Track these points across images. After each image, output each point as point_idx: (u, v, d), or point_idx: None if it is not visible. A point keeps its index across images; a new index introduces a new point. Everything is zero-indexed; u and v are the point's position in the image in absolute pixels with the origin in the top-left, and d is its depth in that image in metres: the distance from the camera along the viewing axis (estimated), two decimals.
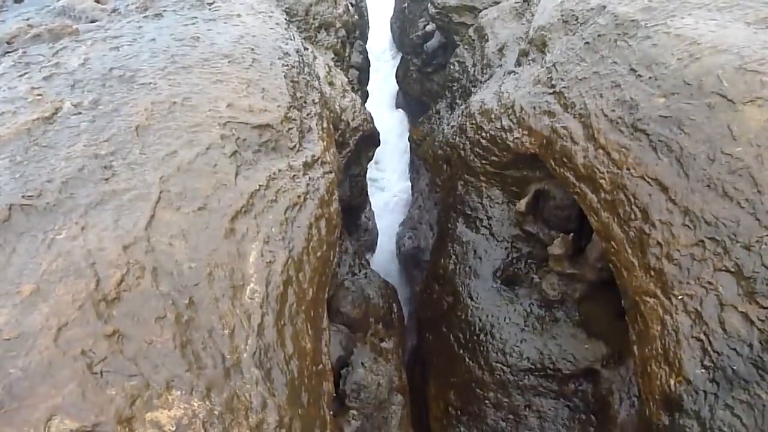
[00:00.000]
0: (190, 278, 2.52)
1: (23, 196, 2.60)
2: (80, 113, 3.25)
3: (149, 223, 2.63)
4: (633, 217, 3.14)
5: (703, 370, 2.59)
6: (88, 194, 2.70)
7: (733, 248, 2.61)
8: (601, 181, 3.43)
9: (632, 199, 3.17)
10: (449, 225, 5.18)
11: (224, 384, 2.29)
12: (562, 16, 4.66)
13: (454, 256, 4.90)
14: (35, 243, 2.42)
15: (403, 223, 7.76)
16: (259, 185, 3.23)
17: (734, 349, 2.48)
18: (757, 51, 3.05)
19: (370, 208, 7.47)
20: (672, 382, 2.69)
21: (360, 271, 5.00)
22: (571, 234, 4.12)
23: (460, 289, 4.66)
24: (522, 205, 4.45)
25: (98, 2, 5.25)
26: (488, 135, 4.84)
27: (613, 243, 3.32)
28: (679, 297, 2.75)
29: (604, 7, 4.20)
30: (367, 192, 6.97)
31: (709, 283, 2.65)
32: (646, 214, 3.06)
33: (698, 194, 2.83)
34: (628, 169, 3.24)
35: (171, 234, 2.64)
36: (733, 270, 2.58)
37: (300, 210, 3.40)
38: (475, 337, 4.40)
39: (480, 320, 4.43)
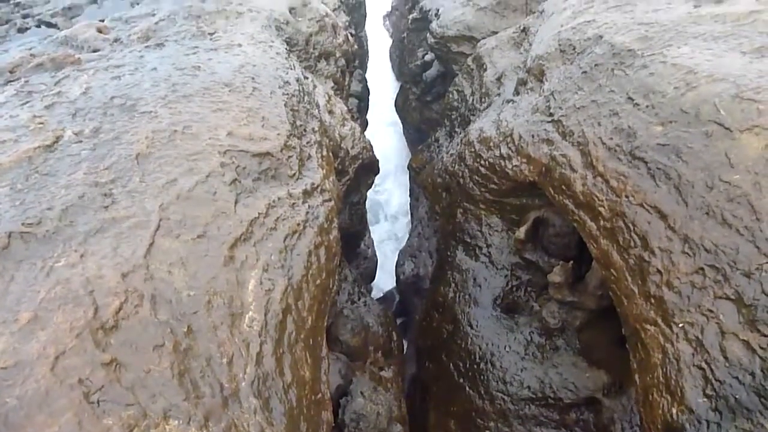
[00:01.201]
0: (189, 306, 2.51)
1: (23, 224, 2.60)
2: (81, 141, 3.27)
3: (148, 250, 2.62)
4: (632, 244, 3.14)
5: (705, 399, 2.56)
6: (88, 222, 2.70)
7: (733, 276, 2.60)
8: (600, 208, 3.44)
9: (631, 227, 3.17)
10: (449, 253, 5.18)
11: (222, 413, 2.27)
12: (559, 45, 4.71)
13: (453, 284, 4.89)
14: (34, 271, 2.41)
15: (402, 250, 7.75)
16: (259, 213, 3.23)
17: (736, 378, 2.46)
18: (753, 80, 3.07)
19: (370, 236, 7.47)
20: (674, 411, 2.66)
21: (359, 299, 4.99)
22: (571, 262, 4.12)
23: (460, 317, 4.64)
24: (521, 232, 4.45)
25: (101, 32, 5.32)
26: (487, 163, 4.86)
27: (612, 270, 3.31)
28: (680, 325, 2.74)
29: (601, 36, 4.25)
30: (366, 220, 6.98)
31: (710, 310, 2.64)
32: (645, 241, 3.06)
33: (697, 222, 2.83)
34: (626, 196, 3.25)
35: (170, 262, 2.64)
36: (733, 297, 2.57)
37: (299, 238, 3.40)
38: (475, 366, 4.37)
39: (480, 349, 4.40)
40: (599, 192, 3.47)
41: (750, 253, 2.59)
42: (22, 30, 7.57)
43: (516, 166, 4.44)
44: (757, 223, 2.62)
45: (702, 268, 2.74)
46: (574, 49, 4.50)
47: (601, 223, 3.42)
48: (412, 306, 7.23)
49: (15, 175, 2.95)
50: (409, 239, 7.98)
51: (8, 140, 3.24)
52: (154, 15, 5.98)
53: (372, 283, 7.75)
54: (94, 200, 2.83)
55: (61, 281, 2.35)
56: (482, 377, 4.30)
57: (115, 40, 5.27)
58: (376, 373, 4.52)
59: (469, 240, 4.99)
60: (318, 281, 3.36)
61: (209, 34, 5.24)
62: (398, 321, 6.69)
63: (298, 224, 3.45)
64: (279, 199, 3.48)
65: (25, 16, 8.30)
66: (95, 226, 2.69)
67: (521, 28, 6.39)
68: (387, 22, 14.97)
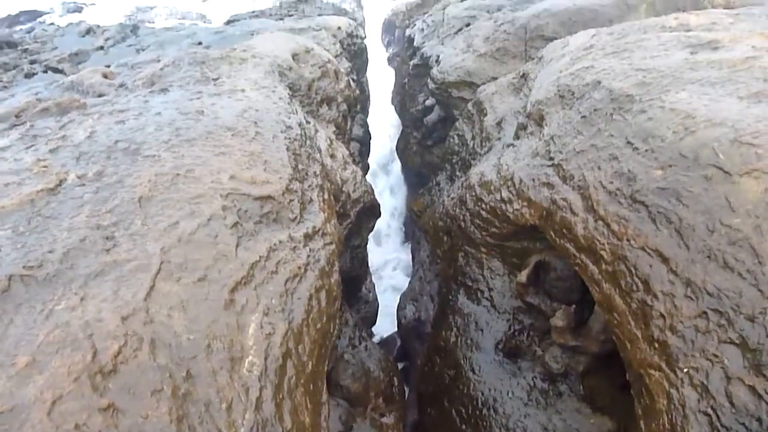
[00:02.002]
0: (189, 350, 2.49)
1: (24, 267, 2.60)
2: (84, 185, 3.29)
3: (149, 294, 2.61)
4: (635, 288, 3.12)
5: None
6: (89, 265, 2.70)
7: (737, 320, 2.59)
8: (602, 252, 3.43)
9: (633, 271, 3.16)
10: (450, 297, 5.15)
11: None
12: (558, 91, 4.77)
13: (455, 328, 4.85)
14: (33, 314, 2.40)
15: (403, 294, 7.71)
16: (260, 256, 3.23)
17: (743, 424, 2.42)
18: (751, 124, 3.10)
19: (371, 280, 7.44)
20: None
21: (360, 343, 4.94)
22: (573, 306, 4.09)
23: (462, 362, 4.59)
24: (523, 276, 4.43)
25: (106, 77, 5.40)
26: (488, 206, 4.87)
27: (615, 315, 3.29)
28: (685, 370, 2.71)
29: (599, 82, 4.30)
30: (367, 264, 6.96)
31: (715, 355, 2.61)
32: (647, 285, 3.05)
33: (699, 265, 2.83)
34: (628, 240, 3.25)
35: (170, 305, 2.62)
36: (737, 342, 2.55)
37: (300, 281, 3.39)
38: (477, 412, 4.30)
39: (482, 394, 4.34)
40: (600, 236, 3.47)
41: (753, 296, 2.58)
42: (29, 75, 7.69)
43: (517, 209, 4.45)
44: (760, 267, 2.61)
45: (705, 312, 2.72)
46: (573, 94, 4.56)
47: (603, 266, 3.41)
48: (414, 350, 7.16)
49: (17, 218, 2.96)
50: (410, 283, 7.94)
51: (12, 183, 3.26)
52: (159, 61, 6.09)
53: (373, 327, 7.70)
54: (96, 243, 2.83)
55: (61, 324, 2.34)
56: (485, 423, 4.23)
57: (121, 86, 5.35)
58: (377, 420, 4.45)
59: (470, 284, 4.98)
60: (319, 325, 3.34)
61: (213, 79, 5.32)
62: (399, 366, 6.62)
63: (299, 268, 3.44)
64: (280, 242, 3.48)
65: (32, 62, 8.45)
66: (96, 269, 2.68)
67: (520, 73, 6.48)
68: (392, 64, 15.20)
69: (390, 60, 15.11)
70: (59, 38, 10.02)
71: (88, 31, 10.13)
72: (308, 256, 3.60)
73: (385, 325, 8.57)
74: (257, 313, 2.91)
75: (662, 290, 2.95)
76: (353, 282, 6.34)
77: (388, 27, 16.70)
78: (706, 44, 4.36)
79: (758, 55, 3.91)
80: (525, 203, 4.37)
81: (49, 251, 2.73)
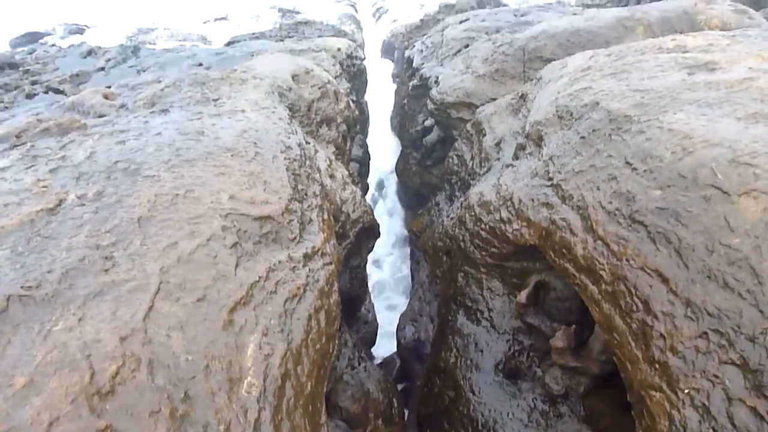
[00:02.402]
0: (187, 371, 2.47)
1: (22, 287, 2.59)
2: (84, 204, 3.29)
3: (147, 314, 2.60)
4: (635, 308, 3.12)
5: None
6: (88, 285, 2.69)
7: (738, 340, 2.57)
8: (601, 272, 3.43)
9: (633, 291, 3.15)
10: (450, 317, 5.14)
11: None
12: (557, 111, 4.79)
13: (454, 349, 4.83)
14: (31, 334, 2.39)
15: (403, 315, 7.69)
16: (259, 276, 3.22)
17: None
18: (749, 145, 3.12)
19: (370, 300, 7.43)
20: None
21: (359, 364, 4.92)
22: (573, 326, 4.08)
23: (462, 383, 4.56)
24: (523, 296, 4.43)
25: (107, 98, 5.43)
26: (487, 227, 4.88)
27: (615, 335, 3.27)
28: (686, 391, 2.69)
29: (597, 103, 4.33)
30: (367, 284, 6.95)
31: (716, 376, 2.60)
32: (647, 305, 3.04)
33: (699, 285, 2.82)
34: (627, 260, 3.25)
35: (169, 325, 2.61)
36: (738, 363, 2.54)
37: (299, 302, 3.38)
38: None
39: (482, 416, 4.31)
40: (600, 256, 3.47)
41: (753, 317, 2.57)
42: (30, 96, 7.73)
43: (516, 229, 4.45)
44: (759, 287, 2.61)
45: (706, 333, 2.71)
46: (571, 115, 4.58)
47: (603, 286, 3.41)
48: (413, 371, 7.12)
49: (16, 238, 2.96)
50: (409, 303, 7.93)
51: (11, 203, 3.26)
52: (159, 82, 6.12)
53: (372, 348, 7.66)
54: (95, 263, 2.83)
55: (58, 345, 2.33)
56: None
57: (121, 106, 5.38)
58: None
59: (470, 304, 4.96)
60: (318, 346, 3.33)
61: (213, 100, 5.35)
62: (399, 387, 6.58)
63: (299, 288, 3.43)
64: (279, 262, 3.48)
65: (33, 83, 8.50)
66: (95, 289, 2.68)
67: (519, 94, 6.52)
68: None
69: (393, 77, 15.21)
70: (60, 59, 10.09)
71: (90, 52, 10.21)
72: (307, 276, 3.60)
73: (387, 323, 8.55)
74: (256, 334, 2.90)
75: (662, 310, 2.95)
76: (352, 302, 6.33)
77: (388, 48, 16.86)
78: (703, 65, 4.40)
79: (755, 76, 3.94)
80: (524, 223, 4.37)
81: (47, 271, 2.72)
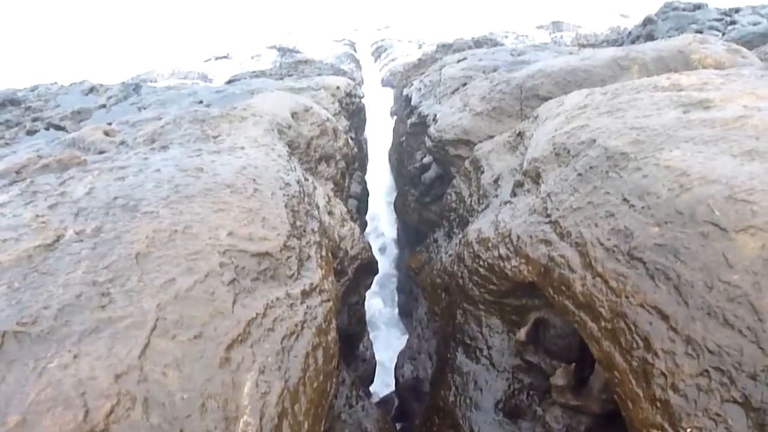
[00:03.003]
0: (182, 409, 2.44)
1: (18, 323, 2.57)
2: (82, 240, 3.29)
3: (143, 351, 2.58)
4: (635, 346, 3.09)
5: None
6: (84, 321, 2.67)
7: (739, 378, 2.55)
8: (601, 309, 3.41)
9: (633, 328, 3.13)
10: (449, 355, 5.09)
11: None
12: (554, 149, 4.82)
13: (454, 387, 4.77)
14: (26, 371, 2.36)
15: (401, 353, 7.62)
16: (257, 313, 3.21)
17: None
18: (745, 181, 3.13)
19: (369, 338, 7.37)
20: None
21: (357, 402, 4.86)
22: (573, 364, 4.04)
23: (461, 422, 4.50)
24: (522, 334, 4.39)
25: (107, 135, 5.46)
26: (486, 263, 4.87)
27: (616, 373, 3.24)
28: (688, 430, 2.65)
29: (594, 140, 4.36)
30: (365, 321, 6.91)
31: (717, 414, 2.57)
32: (648, 343, 3.02)
33: (699, 322, 2.81)
34: (626, 297, 3.23)
35: (165, 363, 2.59)
36: (740, 401, 2.51)
37: (297, 339, 3.36)
38: None
39: None
40: (599, 292, 3.46)
41: (754, 354, 2.56)
42: (31, 132, 7.79)
43: (515, 266, 4.44)
44: (760, 324, 2.59)
45: (707, 370, 2.69)
46: (568, 152, 4.61)
47: (602, 324, 3.39)
48: (412, 410, 7.02)
49: (14, 274, 2.95)
50: (408, 341, 7.86)
51: (9, 239, 3.26)
52: (160, 119, 6.17)
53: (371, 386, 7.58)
54: (92, 299, 2.82)
55: (53, 383, 2.30)
56: None
57: (122, 143, 5.41)
58: None
59: (469, 342, 4.92)
60: (315, 384, 3.29)
61: (213, 137, 5.38)
62: (398, 426, 6.49)
63: (296, 325, 3.41)
64: (277, 299, 3.46)
65: (35, 119, 8.57)
66: (91, 325, 2.66)
67: (516, 132, 6.56)
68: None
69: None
70: (62, 96, 10.18)
71: (91, 89, 10.31)
72: (305, 313, 3.58)
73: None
74: (253, 372, 2.87)
75: (663, 348, 2.92)
76: (350, 340, 6.28)
77: (386, 84, 17.03)
78: (698, 103, 4.44)
79: (750, 114, 3.98)
80: (523, 260, 4.36)
81: (44, 307, 2.71)
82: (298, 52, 19.73)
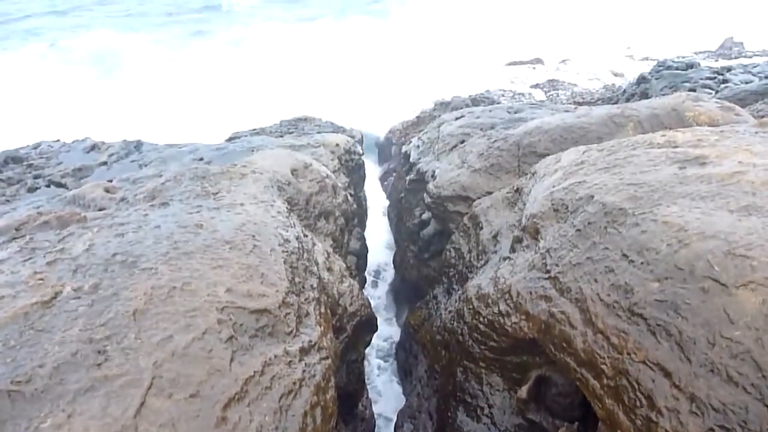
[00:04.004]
0: None
1: (12, 382, 2.54)
2: (80, 297, 3.28)
3: (138, 410, 2.54)
4: (638, 404, 3.05)
5: None
6: (79, 380, 2.64)
7: None
8: (603, 366, 3.38)
9: (636, 385, 3.09)
10: (449, 414, 5.01)
11: None
12: (552, 204, 4.85)
13: None
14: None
15: (401, 411, 7.48)
16: (254, 371, 3.17)
17: None
18: (744, 237, 3.15)
19: (368, 396, 7.25)
20: None
21: None
22: (576, 423, 3.97)
23: None
24: (523, 392, 4.33)
25: (108, 192, 5.50)
26: (486, 320, 4.83)
27: None
28: None
29: (592, 196, 4.39)
30: (364, 379, 6.81)
31: None
32: (651, 400, 2.98)
33: (702, 380, 2.78)
34: (628, 353, 3.20)
35: (160, 423, 2.55)
36: None
37: (295, 397, 3.31)
38: None
39: None
40: (600, 349, 3.43)
41: (759, 412, 2.52)
42: (32, 190, 7.84)
43: (515, 323, 4.41)
44: (764, 381, 2.56)
45: (712, 429, 2.64)
46: (566, 208, 4.64)
47: (605, 381, 3.35)
48: None
49: (9, 331, 2.93)
50: (408, 399, 7.74)
51: (6, 296, 3.25)
52: (160, 176, 6.22)
53: None
54: (87, 357, 2.79)
55: None
56: None
57: (122, 200, 5.44)
58: None
59: (469, 400, 4.85)
60: None
61: (213, 194, 5.42)
62: None
63: (295, 383, 3.37)
64: (275, 356, 3.42)
65: (36, 177, 8.64)
66: (86, 384, 2.62)
67: (515, 188, 6.61)
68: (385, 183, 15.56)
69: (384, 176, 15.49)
70: (64, 154, 10.28)
71: (93, 147, 10.41)
72: (304, 371, 3.53)
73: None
74: (250, 431, 2.82)
75: (667, 406, 2.88)
76: (349, 398, 6.17)
77: (385, 144, 17.23)
78: (694, 160, 4.49)
79: (745, 170, 4.02)
80: (523, 316, 4.34)
81: (38, 366, 2.68)
82: None
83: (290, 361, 3.50)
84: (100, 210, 5.12)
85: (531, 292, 4.32)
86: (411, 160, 10.55)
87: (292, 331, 3.76)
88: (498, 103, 17.09)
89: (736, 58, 22.66)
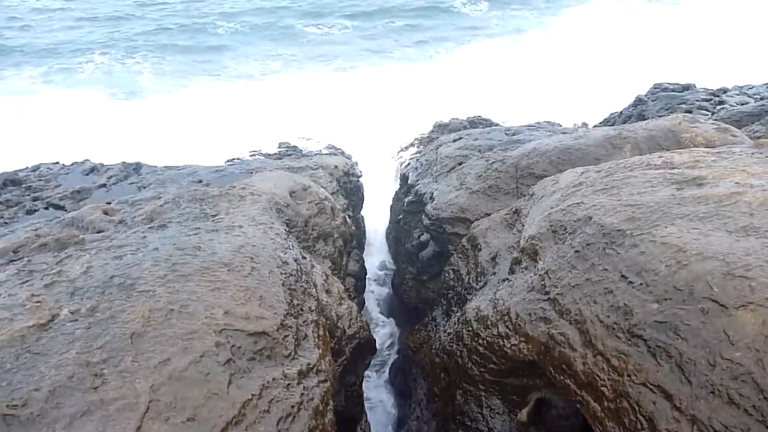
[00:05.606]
0: None
1: (7, 406, 2.52)
2: (77, 320, 3.26)
3: None
4: (639, 426, 3.02)
5: None
6: (75, 404, 2.62)
7: None
8: (603, 388, 3.36)
9: (636, 408, 3.07)
10: None
11: None
12: (551, 226, 4.85)
13: None
14: None
15: None
16: (252, 394, 3.15)
17: None
18: (742, 257, 3.14)
19: (366, 420, 7.19)
20: None
21: None
22: None
23: None
24: (523, 415, 4.30)
25: (107, 214, 5.49)
26: (485, 342, 4.81)
27: None
28: None
29: (590, 218, 4.39)
30: (363, 403, 6.75)
31: None
32: (652, 423, 2.95)
33: (703, 401, 2.76)
34: (629, 375, 3.19)
35: None
36: None
37: (293, 421, 3.28)
38: None
39: None
40: (600, 371, 3.41)
41: None
42: (30, 212, 7.83)
43: (514, 344, 4.39)
44: (765, 402, 2.55)
45: None
46: (565, 229, 4.64)
47: (605, 404, 3.32)
48: None
49: (6, 355, 2.91)
50: (407, 423, 7.67)
51: (3, 319, 3.24)
52: (159, 198, 6.21)
53: None
54: (84, 381, 2.77)
55: None
56: None
57: (120, 222, 5.43)
58: None
59: (469, 423, 4.81)
60: None
61: (212, 216, 5.41)
62: None
63: (293, 406, 3.34)
64: (273, 379, 3.40)
65: (35, 199, 8.63)
66: (82, 408, 2.60)
67: (513, 210, 6.62)
68: None
69: None
70: (63, 176, 10.27)
71: (92, 169, 10.41)
72: (302, 394, 3.51)
73: None
74: None
75: (668, 428, 2.86)
76: (348, 422, 6.12)
77: None
78: (692, 181, 4.50)
79: (742, 190, 4.02)
80: (522, 338, 4.32)
81: (35, 389, 2.66)
82: None
83: (288, 384, 3.47)
84: (99, 232, 5.11)
85: (530, 314, 4.30)
86: (409, 181, 10.58)
87: (290, 354, 3.74)
88: (496, 125, 17.16)
89: None
